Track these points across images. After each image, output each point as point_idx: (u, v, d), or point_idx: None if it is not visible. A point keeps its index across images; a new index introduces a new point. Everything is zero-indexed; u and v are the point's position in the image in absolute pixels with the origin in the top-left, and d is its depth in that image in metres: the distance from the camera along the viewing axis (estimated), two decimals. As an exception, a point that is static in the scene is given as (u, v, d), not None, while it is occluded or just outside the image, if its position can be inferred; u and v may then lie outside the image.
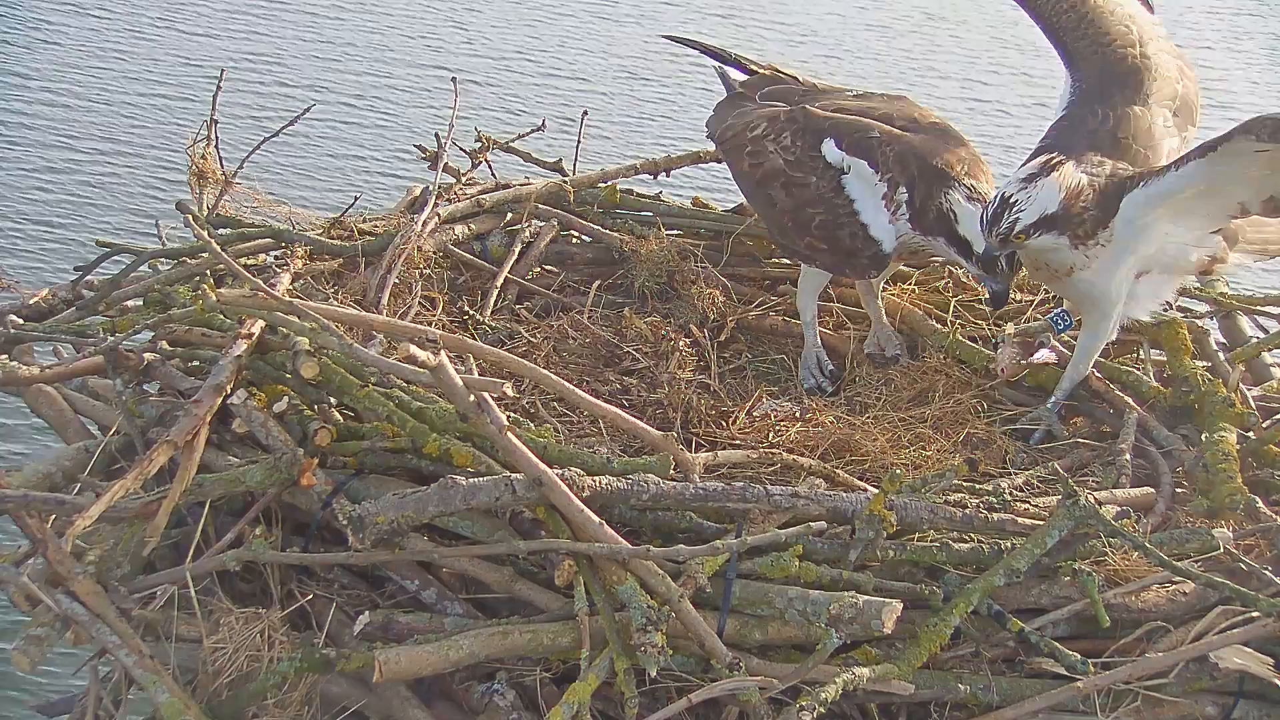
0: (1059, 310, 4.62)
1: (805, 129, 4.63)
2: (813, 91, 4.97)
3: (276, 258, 4.73)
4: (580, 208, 5.33)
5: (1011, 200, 3.97)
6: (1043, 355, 4.56)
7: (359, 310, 4.17)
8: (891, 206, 4.45)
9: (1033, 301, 5.09)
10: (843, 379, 4.71)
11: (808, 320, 4.77)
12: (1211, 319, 4.95)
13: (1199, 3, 16.91)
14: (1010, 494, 3.74)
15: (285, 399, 3.75)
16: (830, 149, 4.55)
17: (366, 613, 3.42)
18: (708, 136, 5.09)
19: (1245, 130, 3.70)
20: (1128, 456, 4.10)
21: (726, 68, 5.20)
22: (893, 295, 5.01)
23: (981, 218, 4.06)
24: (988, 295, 4.49)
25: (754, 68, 5.19)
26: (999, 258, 4.17)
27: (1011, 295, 4.65)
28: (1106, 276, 4.16)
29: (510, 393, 3.52)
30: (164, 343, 4.04)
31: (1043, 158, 4.06)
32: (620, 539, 3.33)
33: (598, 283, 5.08)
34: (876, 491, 3.46)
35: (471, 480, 3.36)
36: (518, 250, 5.12)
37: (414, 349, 3.28)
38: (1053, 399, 4.43)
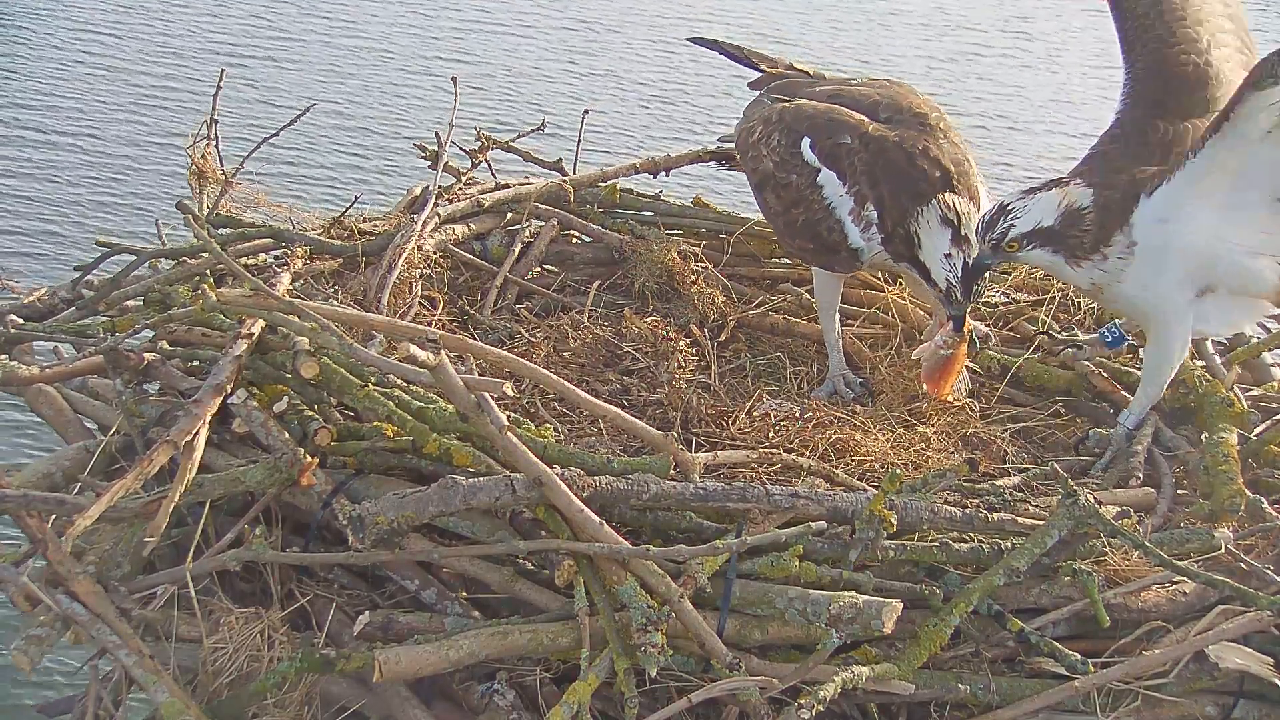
0: (1110, 324, 4.57)
1: (789, 129, 4.57)
2: (819, 82, 4.89)
3: (276, 258, 4.72)
4: (580, 207, 5.33)
5: (1009, 208, 3.96)
6: (936, 345, 4.34)
7: (359, 310, 4.16)
8: (860, 223, 4.34)
9: (1031, 302, 5.10)
10: (871, 387, 4.61)
11: (833, 342, 4.63)
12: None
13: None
14: (1010, 494, 3.74)
15: (285, 399, 3.75)
16: (806, 150, 4.48)
17: (366, 613, 3.42)
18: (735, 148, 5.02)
19: (1250, 84, 3.51)
20: (1141, 458, 4.08)
21: (744, 67, 5.12)
22: (894, 294, 5.01)
23: (978, 224, 4.03)
24: (948, 317, 4.31)
25: (765, 66, 5.14)
26: (957, 290, 4.13)
27: (1010, 300, 4.60)
28: (1145, 289, 3.97)
29: (510, 393, 3.52)
30: (164, 343, 4.04)
31: (1053, 178, 4.03)
32: (620, 539, 3.33)
33: (598, 283, 5.09)
34: (876, 491, 3.45)
35: (471, 480, 3.36)
36: (518, 250, 5.12)
37: (414, 349, 3.28)
38: (1126, 423, 4.22)
